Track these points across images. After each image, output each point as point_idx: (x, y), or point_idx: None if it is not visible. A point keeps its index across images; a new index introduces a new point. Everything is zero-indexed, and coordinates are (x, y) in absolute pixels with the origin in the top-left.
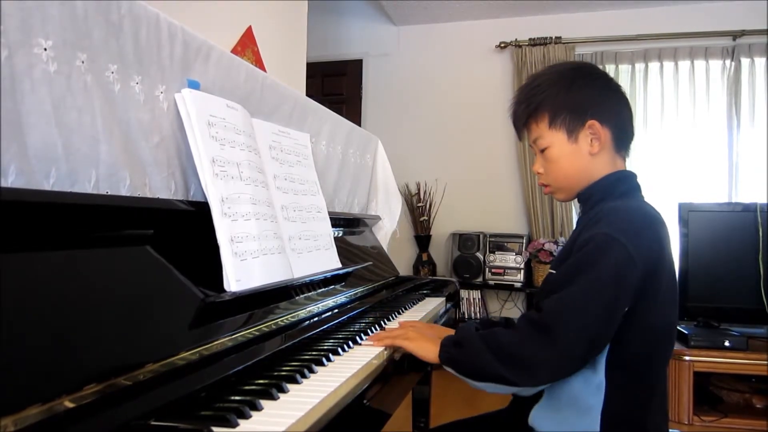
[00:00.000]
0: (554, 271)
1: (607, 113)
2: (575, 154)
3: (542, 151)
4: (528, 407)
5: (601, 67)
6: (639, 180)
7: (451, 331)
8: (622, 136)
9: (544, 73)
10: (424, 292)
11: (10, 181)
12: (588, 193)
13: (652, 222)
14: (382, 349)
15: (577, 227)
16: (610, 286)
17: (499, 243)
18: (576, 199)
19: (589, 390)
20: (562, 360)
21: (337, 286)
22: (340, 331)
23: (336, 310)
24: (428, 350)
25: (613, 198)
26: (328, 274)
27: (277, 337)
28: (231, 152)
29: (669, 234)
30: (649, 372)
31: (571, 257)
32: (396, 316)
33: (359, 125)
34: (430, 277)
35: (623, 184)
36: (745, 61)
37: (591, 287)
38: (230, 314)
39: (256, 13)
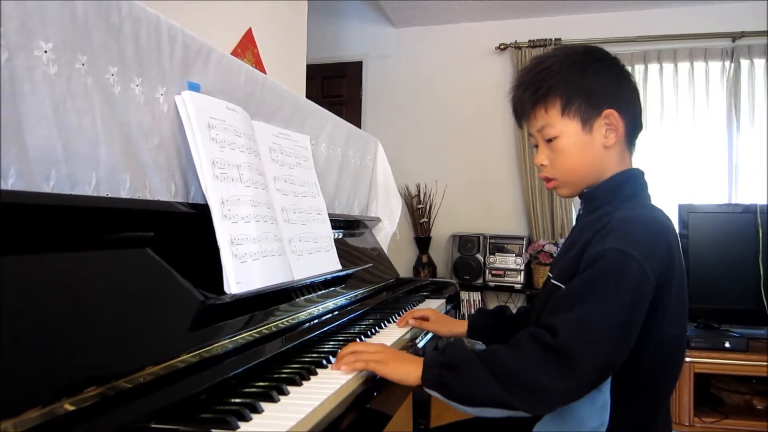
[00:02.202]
0: (552, 275)
1: (624, 103)
2: (588, 146)
3: (549, 140)
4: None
5: None
6: (645, 178)
7: (419, 360)
8: (634, 128)
9: (553, 55)
10: (425, 293)
11: (10, 183)
12: (594, 194)
13: (664, 232)
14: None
15: (577, 226)
16: (629, 308)
17: (499, 244)
18: (578, 196)
19: (593, 410)
20: (578, 388)
21: (338, 288)
22: (341, 333)
23: (336, 312)
24: (408, 372)
25: (619, 200)
26: (328, 276)
27: (278, 340)
28: (231, 154)
29: (678, 240)
30: (656, 389)
31: (583, 271)
32: (396, 318)
33: (359, 127)
34: (431, 279)
35: (631, 186)
36: (744, 63)
37: (610, 309)
38: (230, 316)
39: (256, 15)
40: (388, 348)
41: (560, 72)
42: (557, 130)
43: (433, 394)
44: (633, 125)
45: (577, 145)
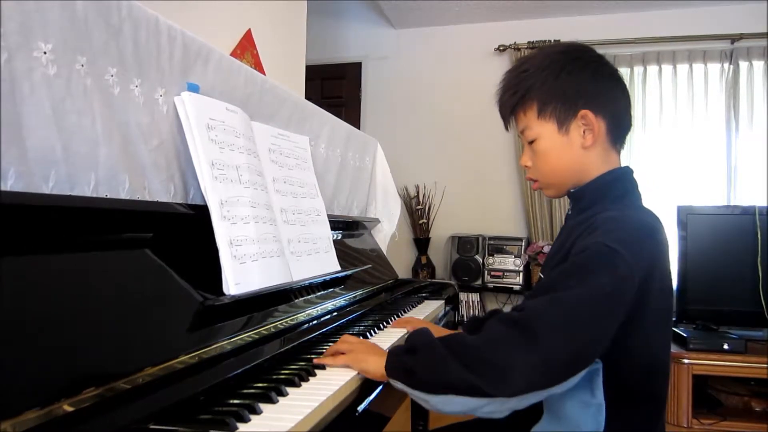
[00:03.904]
0: (543, 276)
1: (602, 102)
2: (566, 147)
3: (530, 142)
4: (526, 410)
5: None
6: (636, 177)
7: (385, 352)
8: (618, 127)
9: (533, 57)
10: (423, 294)
11: (10, 184)
12: (581, 193)
13: (651, 233)
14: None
15: (566, 226)
16: (606, 299)
17: (498, 246)
18: (567, 196)
19: (588, 413)
20: (541, 365)
21: (336, 289)
22: (340, 334)
23: (335, 313)
24: (373, 363)
25: (608, 200)
26: (327, 277)
27: (276, 341)
28: (230, 155)
29: (667, 242)
30: (646, 394)
31: (565, 263)
32: (395, 319)
33: (358, 128)
34: (429, 280)
35: (619, 186)
36: (743, 65)
37: (586, 295)
38: (229, 317)
39: (255, 16)
40: (361, 343)
41: (535, 74)
42: (535, 132)
43: (398, 385)
44: (616, 124)
45: (555, 146)
